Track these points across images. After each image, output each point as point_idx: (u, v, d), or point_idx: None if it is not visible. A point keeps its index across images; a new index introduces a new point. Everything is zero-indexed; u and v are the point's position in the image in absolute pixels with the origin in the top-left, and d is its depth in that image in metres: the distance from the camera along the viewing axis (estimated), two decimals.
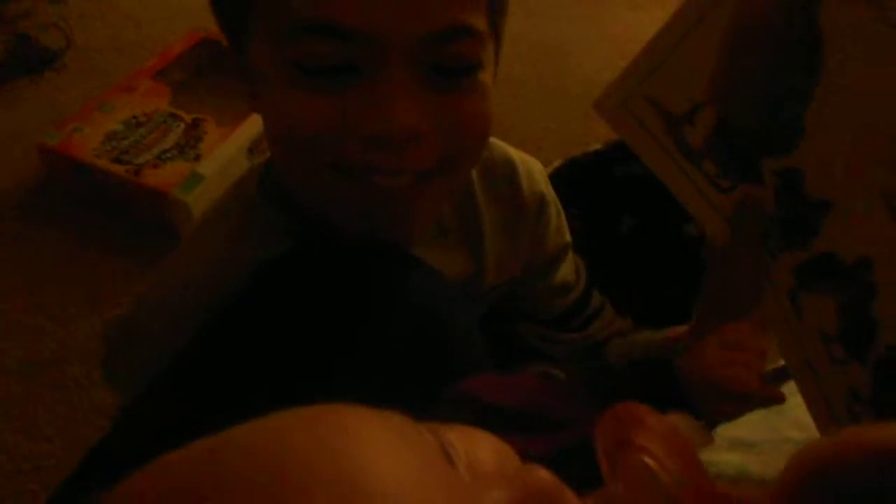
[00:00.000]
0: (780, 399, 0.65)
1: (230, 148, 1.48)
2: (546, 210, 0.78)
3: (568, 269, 0.83)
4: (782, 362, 0.68)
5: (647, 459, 0.29)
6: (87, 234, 1.48)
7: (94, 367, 1.28)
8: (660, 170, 0.57)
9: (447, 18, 0.51)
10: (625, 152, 0.93)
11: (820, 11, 0.45)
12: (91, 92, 1.72)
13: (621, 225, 0.96)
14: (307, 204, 0.62)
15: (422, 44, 0.51)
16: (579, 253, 0.86)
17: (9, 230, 1.49)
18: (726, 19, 0.50)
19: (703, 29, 0.50)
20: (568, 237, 0.82)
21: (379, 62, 0.51)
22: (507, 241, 0.76)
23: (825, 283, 0.49)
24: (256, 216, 0.64)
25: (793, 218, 0.51)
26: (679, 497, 0.29)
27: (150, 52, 1.81)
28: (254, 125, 1.50)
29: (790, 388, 0.66)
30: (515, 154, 0.76)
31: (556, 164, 1.02)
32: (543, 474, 0.27)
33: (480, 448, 0.28)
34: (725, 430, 0.72)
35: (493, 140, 0.70)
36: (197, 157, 1.47)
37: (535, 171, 0.77)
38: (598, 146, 1.01)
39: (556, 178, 0.97)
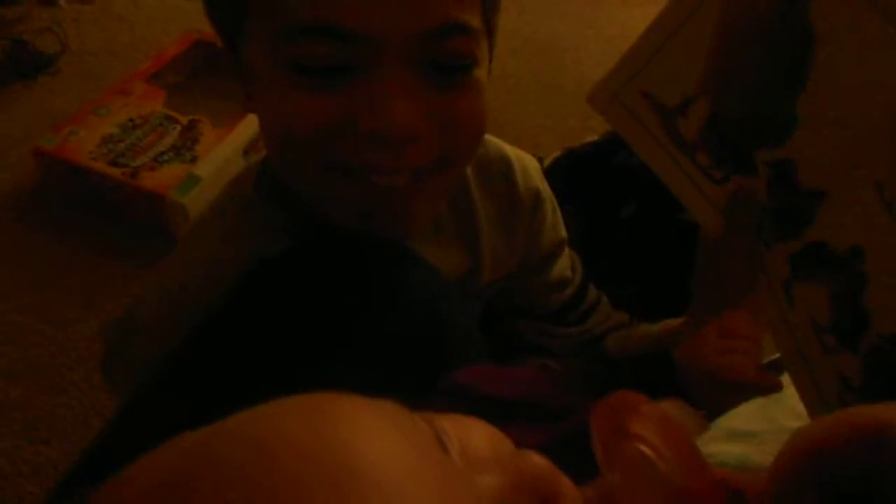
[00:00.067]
0: (777, 387, 0.65)
1: (226, 149, 1.48)
2: (541, 206, 0.78)
3: (564, 264, 0.83)
4: (778, 354, 0.68)
5: (643, 447, 0.30)
6: (85, 237, 1.48)
7: (93, 370, 1.28)
8: (653, 162, 0.57)
9: (442, 16, 0.51)
10: (622, 142, 0.94)
11: (810, 4, 0.45)
12: (86, 95, 1.72)
13: (621, 213, 0.96)
14: (304, 202, 0.62)
15: (417, 42, 0.51)
16: (577, 245, 0.87)
17: (6, 234, 1.49)
18: (717, 12, 0.50)
19: (695, 22, 0.50)
20: (563, 233, 0.82)
21: (375, 61, 0.51)
22: (503, 237, 0.76)
23: (818, 272, 0.49)
24: (253, 215, 0.64)
25: (786, 208, 0.51)
26: (675, 484, 0.29)
27: (144, 54, 1.81)
28: (250, 126, 1.50)
29: (787, 378, 0.66)
30: (511, 150, 0.76)
31: (555, 154, 1.02)
32: (537, 459, 0.27)
33: (474, 435, 0.29)
34: (724, 422, 0.72)
35: (488, 136, 0.70)
36: (193, 159, 1.47)
37: (530, 167, 0.77)
38: (595, 137, 1.02)
39: (554, 169, 0.98)
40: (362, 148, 0.53)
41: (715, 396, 0.66)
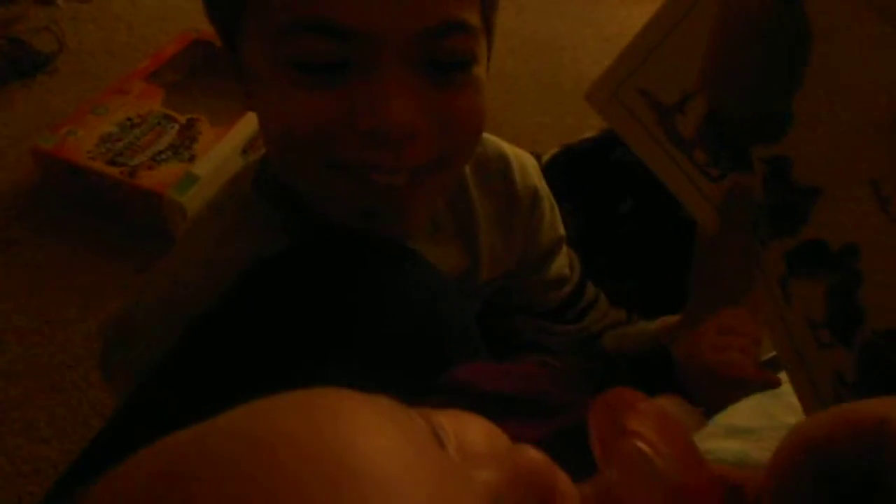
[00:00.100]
0: (775, 384, 0.65)
1: (225, 148, 1.48)
2: (539, 204, 0.78)
3: (562, 262, 0.83)
4: (772, 353, 0.68)
5: (641, 444, 0.30)
6: (83, 236, 1.48)
7: (92, 370, 1.28)
8: (650, 159, 0.57)
9: (441, 14, 0.51)
10: (619, 139, 0.94)
11: (806, 2, 0.45)
12: (84, 95, 1.72)
13: (619, 209, 0.96)
14: (303, 201, 0.62)
15: (417, 40, 0.51)
16: (576, 241, 0.87)
17: (4, 234, 1.49)
18: (714, 9, 0.50)
19: (692, 19, 0.51)
20: (562, 231, 0.82)
21: (374, 59, 0.51)
22: (502, 235, 0.76)
23: (813, 269, 0.50)
24: (252, 214, 0.64)
25: (781, 205, 0.51)
26: (673, 480, 0.29)
27: (142, 53, 1.81)
28: (248, 125, 1.50)
29: (786, 375, 0.67)
30: (509, 149, 0.76)
31: (553, 151, 1.02)
32: (534, 454, 0.27)
33: (471, 430, 0.29)
34: (722, 418, 0.72)
35: (486, 135, 0.70)
36: (191, 158, 1.47)
37: (528, 165, 0.77)
38: (592, 133, 1.02)
39: (552, 165, 0.98)
40: (361, 146, 0.53)
41: (713, 393, 0.66)
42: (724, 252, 0.57)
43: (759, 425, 0.73)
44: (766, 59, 0.48)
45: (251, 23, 0.53)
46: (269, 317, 0.57)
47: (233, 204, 0.66)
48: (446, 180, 0.61)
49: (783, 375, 0.64)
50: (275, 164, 0.64)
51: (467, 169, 0.72)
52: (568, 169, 0.99)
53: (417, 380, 0.57)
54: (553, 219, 0.81)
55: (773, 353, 0.68)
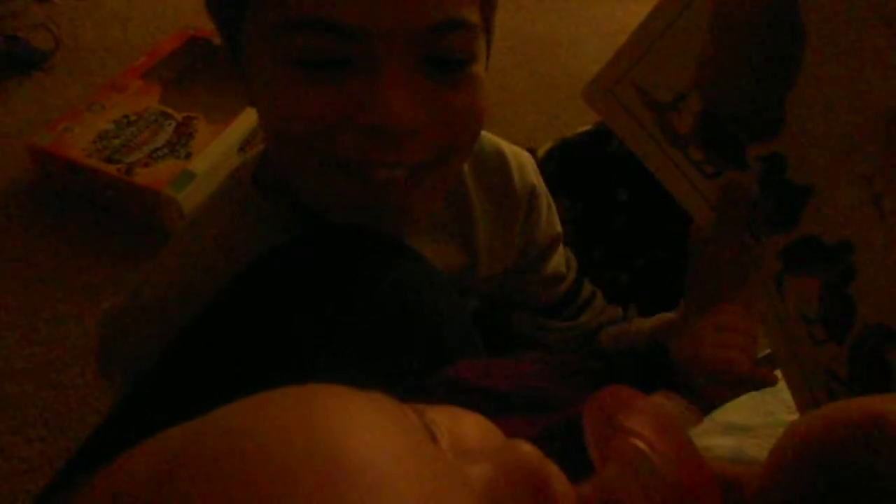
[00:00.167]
0: (772, 381, 0.65)
1: (221, 145, 1.48)
2: (537, 201, 0.78)
3: (559, 259, 0.84)
4: (768, 350, 0.69)
5: (638, 442, 0.30)
6: (79, 233, 1.48)
7: (89, 368, 1.27)
8: (646, 156, 0.58)
9: (442, 12, 0.51)
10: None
11: (801, 1, 0.45)
12: (81, 92, 1.71)
13: (616, 199, 0.96)
14: (303, 197, 0.62)
15: (417, 38, 0.51)
16: (573, 233, 0.87)
17: (0, 231, 1.49)
18: (710, 8, 0.50)
19: (688, 17, 0.51)
20: (559, 228, 0.82)
21: (374, 56, 0.51)
22: (500, 232, 0.76)
23: (808, 265, 0.50)
24: (251, 209, 0.64)
25: (777, 202, 0.51)
26: (670, 478, 0.29)
27: (139, 51, 1.80)
28: (245, 122, 1.50)
29: (780, 373, 0.67)
30: (506, 146, 0.76)
31: (549, 144, 1.02)
32: (527, 449, 0.27)
33: (464, 425, 0.29)
34: (719, 415, 0.72)
35: (483, 133, 0.70)
36: (188, 156, 1.46)
37: (525, 163, 0.77)
38: (587, 127, 1.02)
39: (548, 159, 0.98)
40: (361, 143, 0.53)
41: (711, 391, 0.66)
42: (720, 249, 0.57)
43: (754, 422, 0.73)
44: (760, 58, 0.49)
45: (252, 20, 0.54)
46: (266, 312, 0.57)
47: (232, 200, 0.66)
48: (445, 177, 0.61)
49: (778, 373, 0.64)
50: (275, 160, 0.64)
51: (465, 166, 0.72)
52: (564, 162, 0.99)
53: (414, 376, 0.57)
54: (550, 216, 0.81)
55: (769, 350, 0.68)
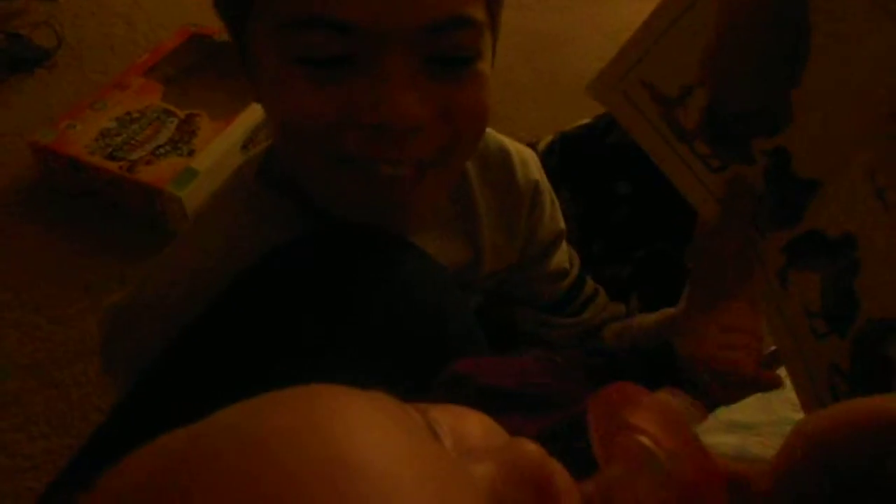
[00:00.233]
0: (777, 384, 0.65)
1: (224, 143, 1.48)
2: (540, 198, 0.78)
3: (562, 256, 0.84)
4: (774, 347, 0.68)
5: (643, 439, 0.29)
6: (82, 230, 1.48)
7: (91, 365, 1.27)
8: (653, 150, 0.58)
9: (446, 9, 0.51)
10: (615, 122, 0.94)
11: None
12: (83, 90, 1.72)
13: (617, 190, 0.96)
14: (308, 194, 0.62)
15: (421, 35, 0.51)
16: (575, 226, 0.86)
17: (3, 228, 1.49)
18: (716, 2, 0.50)
19: (694, 12, 0.51)
20: (562, 224, 0.82)
21: (378, 54, 0.51)
22: (503, 228, 0.77)
23: (812, 259, 0.50)
24: (256, 206, 0.65)
25: (782, 197, 0.52)
26: (677, 474, 0.29)
27: (141, 49, 1.81)
28: (247, 120, 1.50)
29: (783, 371, 0.66)
30: (509, 143, 0.76)
31: (549, 138, 1.02)
32: (530, 447, 0.27)
33: (467, 424, 0.29)
34: (722, 413, 0.72)
35: (487, 129, 0.70)
36: (191, 153, 1.46)
37: (528, 159, 0.77)
38: (586, 120, 1.02)
39: (549, 152, 0.98)
40: (366, 140, 0.54)
41: (717, 392, 0.66)
42: (724, 244, 0.57)
43: (758, 420, 0.73)
44: (766, 52, 0.49)
45: (258, 19, 0.54)
46: (268, 310, 0.57)
47: (237, 197, 0.66)
48: (449, 174, 0.61)
49: (781, 371, 0.64)
50: (282, 156, 0.64)
51: (469, 163, 0.72)
52: (564, 154, 0.99)
53: (419, 374, 0.57)
54: (553, 212, 0.81)
55: (773, 347, 0.68)
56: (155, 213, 1.44)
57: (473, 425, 0.29)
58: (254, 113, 1.50)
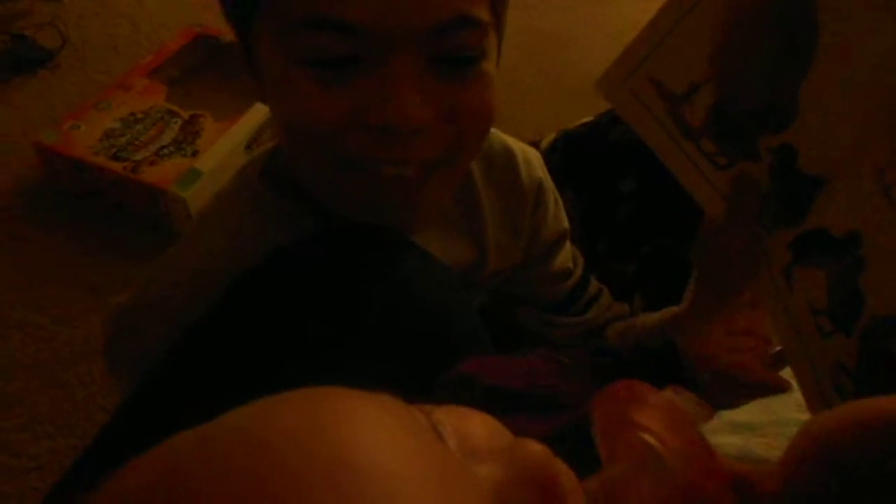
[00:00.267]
0: (784, 387, 0.65)
1: (228, 143, 1.48)
2: (544, 197, 0.78)
3: (566, 255, 0.84)
4: (780, 347, 0.68)
5: (648, 437, 0.29)
6: (86, 231, 1.48)
7: (95, 365, 1.28)
8: (659, 148, 0.57)
9: (450, 10, 0.51)
10: (617, 120, 0.94)
11: None
12: (87, 90, 1.72)
13: (621, 188, 0.96)
14: (315, 193, 0.62)
15: (425, 35, 0.51)
16: (579, 225, 0.86)
17: (7, 229, 1.49)
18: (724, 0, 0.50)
19: (702, 8, 0.51)
20: (565, 224, 0.82)
21: (383, 55, 0.51)
22: (507, 227, 0.77)
23: (817, 257, 0.50)
24: (260, 206, 0.65)
25: (787, 194, 0.51)
26: (682, 473, 0.29)
27: (145, 49, 1.81)
28: (251, 120, 1.50)
29: (789, 372, 0.66)
30: (513, 142, 0.76)
31: (551, 136, 1.02)
32: (535, 447, 0.27)
33: (471, 425, 0.28)
34: (726, 414, 0.72)
35: (491, 129, 0.70)
36: (195, 153, 1.47)
37: (532, 159, 0.77)
38: (589, 118, 1.02)
39: (552, 150, 0.98)
40: (371, 141, 0.54)
41: (724, 395, 0.66)
42: (729, 241, 0.57)
43: (761, 421, 0.73)
44: (773, 49, 0.48)
45: (264, 21, 0.54)
46: (273, 311, 0.57)
47: (241, 197, 0.66)
48: (454, 174, 0.61)
49: (787, 372, 0.64)
50: (286, 157, 0.64)
51: (474, 163, 0.72)
52: (567, 153, 0.99)
53: (423, 373, 0.57)
54: (557, 212, 0.81)
55: (779, 347, 0.67)
56: (159, 214, 1.44)
57: (478, 426, 0.29)
58: (257, 113, 1.50)
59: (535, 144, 0.88)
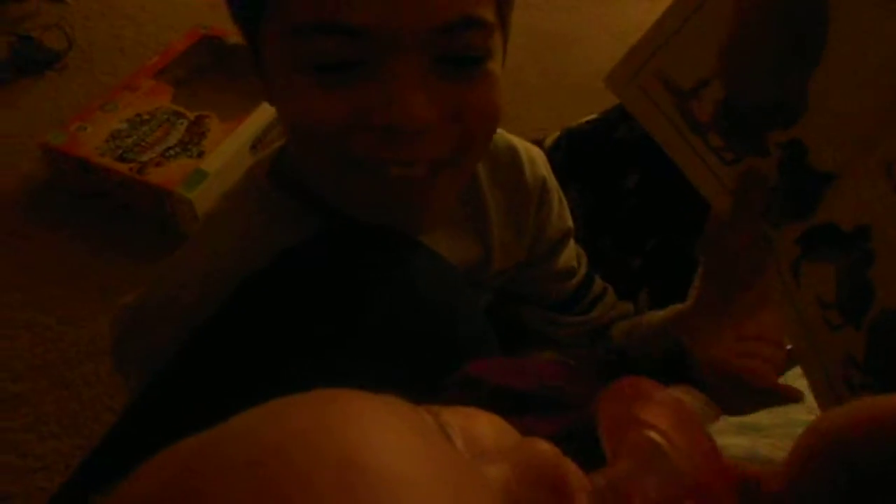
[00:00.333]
0: (798, 398, 0.64)
1: (233, 144, 1.48)
2: (548, 195, 0.78)
3: (570, 254, 0.84)
4: (789, 346, 0.68)
5: (654, 435, 0.29)
6: (92, 232, 1.49)
7: (102, 366, 1.28)
8: (666, 143, 0.57)
9: (455, 11, 0.51)
10: (621, 118, 0.94)
11: None
12: (94, 91, 1.72)
13: (625, 183, 0.95)
14: (321, 193, 0.62)
15: (430, 36, 0.51)
16: (583, 221, 0.86)
17: (14, 230, 1.50)
18: None
19: (711, 5, 0.51)
20: (570, 222, 0.82)
21: (388, 57, 0.51)
22: (512, 226, 0.77)
23: (826, 251, 0.50)
24: (268, 206, 0.65)
25: (796, 189, 0.51)
26: (688, 472, 0.29)
27: (151, 50, 1.82)
28: (257, 121, 1.50)
29: (798, 372, 0.66)
30: (517, 141, 0.77)
31: (555, 134, 1.02)
32: (543, 446, 0.27)
33: (479, 426, 0.28)
34: (733, 415, 0.71)
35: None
36: (200, 154, 1.47)
37: (536, 158, 0.78)
38: (592, 115, 1.02)
39: (555, 148, 0.98)
40: (377, 142, 0.54)
41: (735, 400, 0.65)
42: (737, 236, 0.57)
43: (768, 422, 0.73)
44: (782, 46, 0.48)
45: (271, 24, 0.54)
46: (280, 312, 0.57)
47: (248, 197, 0.67)
48: (461, 174, 0.61)
49: (800, 372, 0.63)
50: (294, 158, 0.64)
51: (479, 162, 0.72)
52: (571, 151, 0.99)
53: (430, 373, 0.57)
54: (561, 210, 0.81)
55: (788, 346, 0.67)
56: (165, 215, 1.45)
57: (485, 426, 0.29)
58: (263, 114, 1.50)
59: (538, 143, 0.88)
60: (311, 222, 0.63)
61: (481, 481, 0.24)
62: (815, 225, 0.50)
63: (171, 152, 1.48)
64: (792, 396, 0.64)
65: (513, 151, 0.75)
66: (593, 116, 1.01)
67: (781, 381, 0.67)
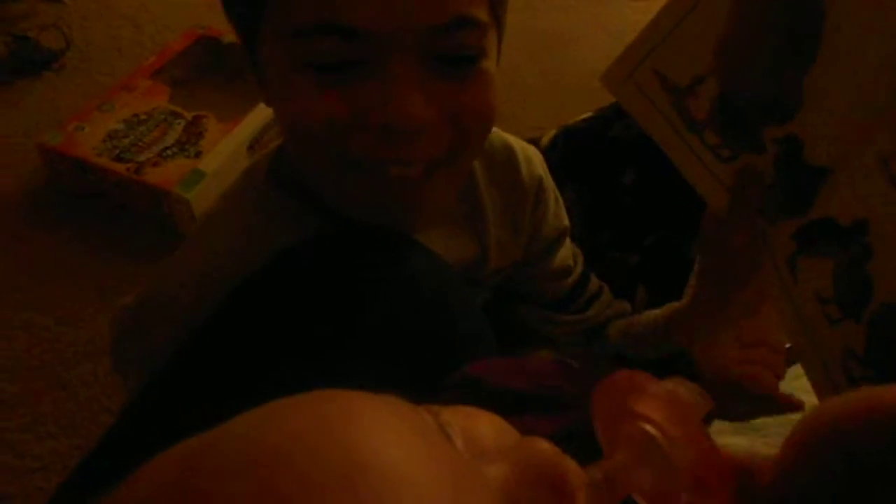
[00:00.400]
0: (799, 408, 0.64)
1: (231, 144, 1.48)
2: (544, 194, 0.78)
3: (566, 253, 0.84)
4: (788, 345, 0.68)
5: (649, 427, 0.29)
6: (89, 232, 1.49)
7: (100, 366, 1.28)
8: (663, 141, 0.58)
9: (449, 11, 0.52)
10: (617, 116, 0.94)
11: None
12: (91, 91, 1.72)
13: (622, 180, 0.96)
14: (319, 193, 0.62)
15: (425, 36, 0.52)
16: (581, 218, 0.86)
17: (11, 230, 1.50)
18: None
19: (707, 2, 0.51)
20: (566, 221, 0.82)
21: (384, 57, 0.52)
22: (508, 224, 0.77)
23: (823, 246, 0.50)
24: (266, 206, 0.65)
25: (792, 185, 0.52)
26: (682, 464, 0.29)
27: (149, 51, 1.82)
28: (254, 121, 1.50)
29: (796, 372, 0.66)
30: (514, 140, 0.77)
31: (552, 133, 1.02)
32: (543, 445, 0.27)
33: (478, 425, 0.28)
34: (733, 421, 0.72)
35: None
36: (198, 154, 1.47)
37: (532, 156, 0.78)
38: (588, 114, 1.02)
39: (552, 146, 0.98)
40: (374, 142, 0.54)
41: (735, 406, 0.65)
42: (733, 234, 0.57)
43: (766, 422, 0.73)
44: (779, 40, 0.49)
45: (268, 25, 0.55)
46: (277, 312, 0.57)
47: (246, 197, 0.67)
48: (458, 173, 0.61)
49: (797, 373, 0.64)
50: (292, 158, 0.64)
51: (476, 161, 0.73)
52: (567, 149, 0.99)
53: (429, 372, 0.57)
54: (557, 209, 0.81)
55: (787, 345, 0.67)
56: (162, 215, 1.45)
57: (485, 426, 0.29)
58: (260, 114, 1.50)
59: (535, 142, 0.88)
60: (309, 222, 0.63)
61: (481, 481, 0.25)
62: (812, 220, 0.51)
63: (169, 152, 1.48)
64: (794, 407, 0.64)
65: (509, 150, 0.75)
66: (589, 114, 1.01)
67: (782, 385, 0.67)
